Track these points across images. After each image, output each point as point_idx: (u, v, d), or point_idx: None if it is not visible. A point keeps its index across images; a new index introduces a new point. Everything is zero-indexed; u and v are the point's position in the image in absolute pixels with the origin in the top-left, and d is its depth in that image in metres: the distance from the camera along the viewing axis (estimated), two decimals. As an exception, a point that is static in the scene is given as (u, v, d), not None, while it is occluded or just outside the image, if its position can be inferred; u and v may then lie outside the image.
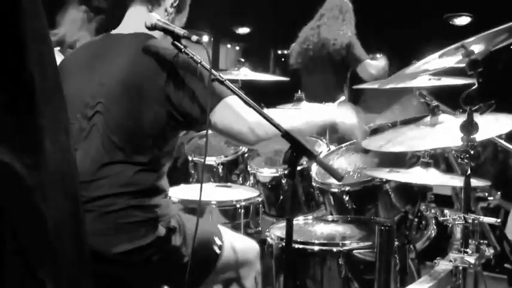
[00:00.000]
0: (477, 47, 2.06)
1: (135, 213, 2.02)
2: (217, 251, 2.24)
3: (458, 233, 2.08)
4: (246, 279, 2.37)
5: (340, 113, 2.37)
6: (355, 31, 4.81)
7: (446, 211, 2.19)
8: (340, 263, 2.28)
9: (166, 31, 2.03)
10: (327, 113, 2.38)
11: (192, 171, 3.76)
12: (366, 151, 3.01)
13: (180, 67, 2.02)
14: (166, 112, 2.02)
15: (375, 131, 2.92)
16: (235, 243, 2.33)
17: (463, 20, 9.24)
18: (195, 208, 2.84)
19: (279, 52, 13.89)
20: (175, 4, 2.23)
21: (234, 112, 2.03)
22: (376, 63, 4.66)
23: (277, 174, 3.32)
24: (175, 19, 2.27)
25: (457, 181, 2.34)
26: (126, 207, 2.01)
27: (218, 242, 2.25)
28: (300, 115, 2.27)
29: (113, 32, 2.23)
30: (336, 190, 2.83)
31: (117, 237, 1.99)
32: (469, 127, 2.02)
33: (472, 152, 2.01)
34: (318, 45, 4.71)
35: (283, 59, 13.91)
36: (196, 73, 2.02)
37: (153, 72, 2.02)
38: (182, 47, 1.99)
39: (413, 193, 2.74)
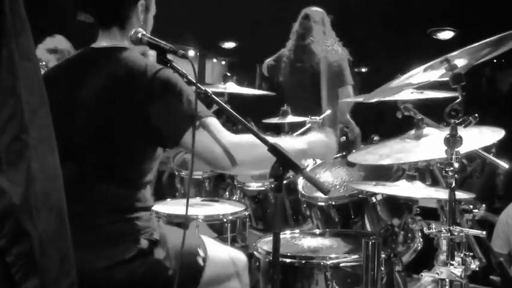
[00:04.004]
0: (461, 61, 2.09)
1: (116, 228, 2.02)
2: (201, 262, 2.22)
3: (444, 245, 2.09)
4: None
5: (310, 140, 2.34)
6: (344, 48, 4.87)
7: (432, 224, 2.20)
8: (327, 276, 2.28)
9: (152, 45, 2.03)
10: (298, 141, 2.33)
11: (179, 186, 3.76)
12: (352, 164, 3.02)
13: (159, 83, 2.00)
14: (143, 128, 2.01)
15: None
16: (222, 255, 2.32)
17: (446, 34, 9.34)
18: (182, 223, 2.83)
19: (265, 66, 13.93)
20: (143, 8, 2.21)
21: (211, 133, 2.00)
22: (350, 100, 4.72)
23: (263, 188, 3.32)
24: (148, 17, 2.26)
25: (442, 194, 2.35)
26: (107, 222, 2.00)
27: (202, 253, 2.23)
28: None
29: (93, 45, 2.22)
30: (322, 203, 2.84)
31: (99, 252, 1.98)
32: (453, 140, 2.03)
33: (456, 165, 2.03)
34: (313, 63, 4.74)
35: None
36: (176, 90, 2.00)
37: (132, 89, 2.01)
38: (168, 61, 1.99)
39: (399, 206, 2.75)
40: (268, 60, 5.17)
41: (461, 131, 2.05)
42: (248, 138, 2.00)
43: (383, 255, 2.29)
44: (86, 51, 2.23)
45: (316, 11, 4.94)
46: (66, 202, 1.92)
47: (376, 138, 4.72)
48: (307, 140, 2.30)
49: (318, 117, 3.98)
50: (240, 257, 2.42)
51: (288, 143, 2.05)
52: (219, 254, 2.31)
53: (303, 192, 2.97)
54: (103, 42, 2.19)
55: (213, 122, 2.02)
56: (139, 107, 1.99)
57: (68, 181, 1.97)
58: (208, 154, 2.00)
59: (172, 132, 2.00)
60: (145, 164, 2.09)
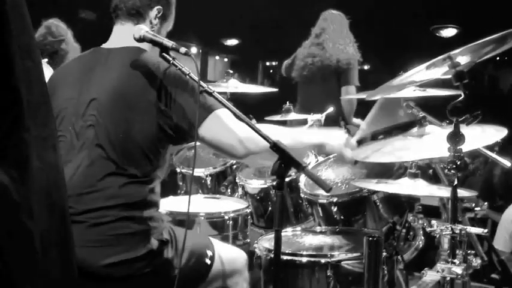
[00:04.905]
0: (463, 58, 2.08)
1: (126, 225, 2.02)
2: (208, 262, 2.25)
3: (445, 243, 2.09)
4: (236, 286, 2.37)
5: (328, 135, 2.37)
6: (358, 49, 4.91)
7: (433, 222, 2.19)
8: (329, 274, 2.28)
9: (154, 43, 2.04)
10: (316, 135, 2.39)
11: (181, 183, 3.75)
12: (354, 162, 3.02)
13: (171, 81, 2.03)
14: (157, 125, 2.03)
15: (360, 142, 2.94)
16: (224, 253, 2.34)
17: (449, 32, 9.33)
18: (184, 220, 2.83)
19: (267, 64, 13.96)
20: (159, 15, 2.24)
21: (224, 125, 2.04)
22: (353, 98, 4.76)
23: (265, 186, 3.32)
24: (162, 28, 2.29)
25: (444, 192, 2.35)
26: (117, 219, 2.01)
27: (209, 253, 2.26)
28: (289, 133, 2.27)
29: (103, 46, 2.24)
30: (324, 201, 2.84)
31: (107, 248, 1.98)
32: (455, 138, 2.03)
33: (458, 163, 2.02)
34: (323, 58, 4.80)
35: (271, 71, 14.00)
36: (187, 86, 2.03)
37: (144, 86, 2.03)
38: (171, 58, 2.00)
39: (401, 204, 2.75)
40: (286, 61, 5.22)
41: (464, 129, 2.04)
42: (261, 127, 2.03)
43: (384, 253, 2.29)
44: (99, 50, 2.24)
45: (335, 13, 5.04)
46: (77, 197, 1.94)
47: (380, 136, 4.76)
48: (325, 135, 2.38)
49: (320, 115, 3.99)
50: (240, 254, 2.44)
51: (304, 134, 2.10)
52: (221, 252, 2.32)
53: (304, 189, 2.97)
54: (115, 40, 2.22)
55: (226, 113, 2.05)
56: (153, 106, 2.02)
57: (78, 177, 2.00)
58: (224, 143, 2.06)
59: (189, 126, 2.03)
60: (156, 161, 2.10)
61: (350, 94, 4.74)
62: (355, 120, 4.91)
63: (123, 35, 2.20)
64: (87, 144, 2.05)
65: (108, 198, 2.01)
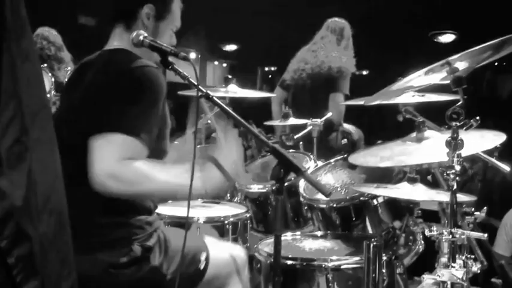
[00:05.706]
0: (462, 64, 2.09)
1: (111, 232, 2.02)
2: (202, 266, 2.21)
3: (445, 248, 2.09)
4: (235, 286, 2.36)
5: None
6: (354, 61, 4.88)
7: (433, 226, 2.19)
8: (329, 278, 2.28)
9: (153, 48, 2.03)
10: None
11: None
12: (353, 167, 3.02)
13: (123, 84, 2.00)
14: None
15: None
16: (223, 255, 2.32)
17: (447, 38, 9.36)
18: (183, 224, 2.83)
19: (266, 69, 13.97)
20: (152, 14, 2.19)
21: (104, 150, 1.90)
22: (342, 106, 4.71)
23: (265, 190, 3.32)
24: (161, 27, 2.23)
25: (444, 196, 2.35)
26: (102, 226, 2.01)
27: (203, 257, 2.22)
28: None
29: (104, 49, 2.24)
30: (323, 206, 2.84)
31: (93, 257, 1.97)
32: (454, 143, 2.03)
33: (457, 168, 2.03)
34: (315, 65, 4.76)
35: (270, 76, 14.02)
36: (131, 92, 1.98)
37: (110, 88, 2.02)
38: (170, 63, 1.99)
39: (400, 209, 2.75)
40: (283, 75, 5.20)
41: (463, 134, 2.05)
42: (141, 172, 1.94)
43: (384, 258, 2.29)
44: (98, 52, 2.24)
45: (337, 21, 4.98)
46: None
47: (379, 142, 4.74)
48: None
49: (319, 120, 3.99)
50: (240, 253, 2.42)
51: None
52: (219, 253, 2.30)
53: (304, 194, 2.97)
54: (113, 42, 2.22)
55: (119, 142, 1.92)
56: (111, 106, 1.98)
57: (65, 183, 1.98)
58: (91, 162, 1.90)
59: (87, 129, 1.94)
60: None
61: (337, 102, 4.66)
62: (346, 126, 4.88)
63: (117, 38, 2.21)
64: (69, 150, 2.02)
65: (91, 205, 2.00)
